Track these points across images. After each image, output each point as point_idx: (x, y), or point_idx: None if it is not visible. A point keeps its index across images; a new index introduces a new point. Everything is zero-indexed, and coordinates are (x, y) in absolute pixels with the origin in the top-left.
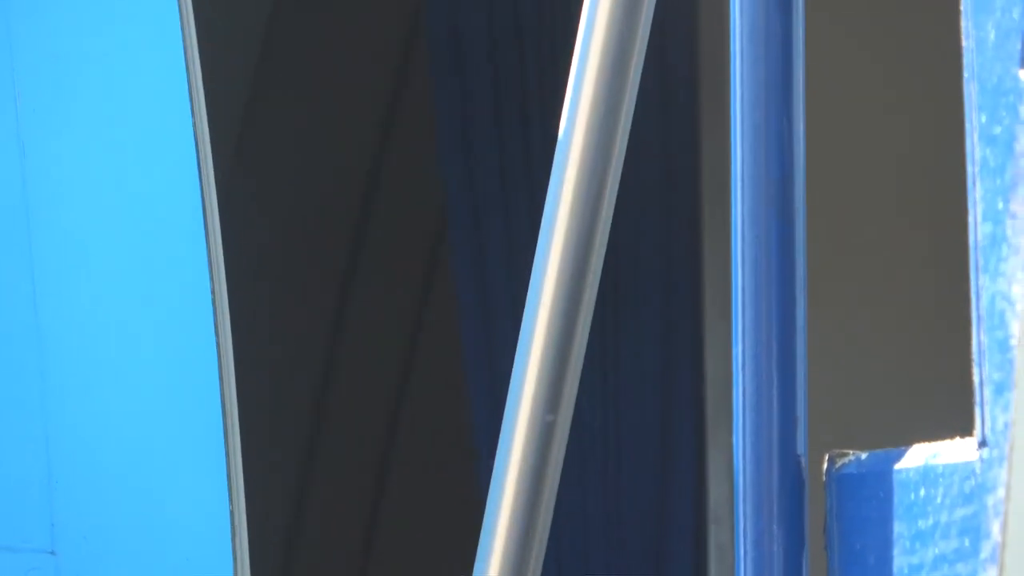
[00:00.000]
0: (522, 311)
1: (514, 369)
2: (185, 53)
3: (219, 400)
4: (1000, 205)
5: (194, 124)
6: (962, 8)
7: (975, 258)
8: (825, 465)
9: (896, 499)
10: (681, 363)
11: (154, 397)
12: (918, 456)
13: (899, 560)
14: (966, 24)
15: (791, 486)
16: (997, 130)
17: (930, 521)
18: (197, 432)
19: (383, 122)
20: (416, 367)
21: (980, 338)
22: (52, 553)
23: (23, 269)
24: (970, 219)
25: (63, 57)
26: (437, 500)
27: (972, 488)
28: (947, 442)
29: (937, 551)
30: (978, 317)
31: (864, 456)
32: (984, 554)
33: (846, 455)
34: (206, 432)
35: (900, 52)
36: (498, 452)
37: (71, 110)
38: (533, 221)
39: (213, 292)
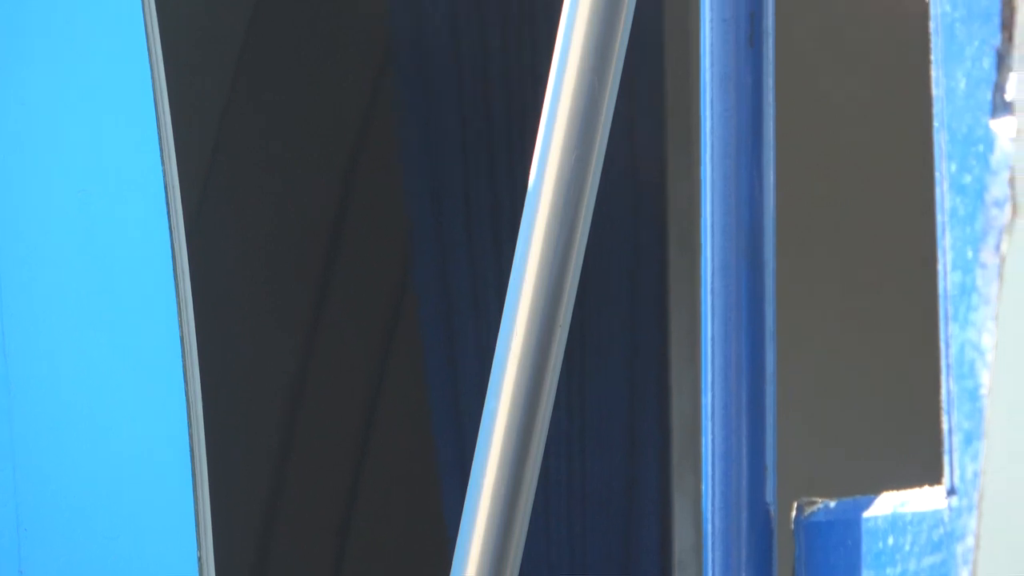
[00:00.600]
0: (485, 350)
1: (485, 409)
2: (153, 85)
3: (188, 444)
4: (970, 254)
5: (163, 160)
6: (932, 58)
7: (944, 307)
8: (794, 513)
9: (864, 547)
10: (647, 409)
11: (121, 438)
12: (886, 504)
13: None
14: (936, 73)
15: (760, 534)
16: (967, 179)
17: (898, 569)
18: (165, 475)
19: (349, 167)
20: (382, 405)
21: (949, 387)
22: None
23: None
24: (940, 268)
25: (30, 87)
26: (403, 536)
27: (941, 536)
28: (916, 490)
29: None
30: (947, 366)
31: (833, 504)
32: None
33: (815, 503)
34: (175, 475)
35: (872, 100)
36: (470, 484)
37: (36, 137)
38: (498, 267)
39: (181, 327)
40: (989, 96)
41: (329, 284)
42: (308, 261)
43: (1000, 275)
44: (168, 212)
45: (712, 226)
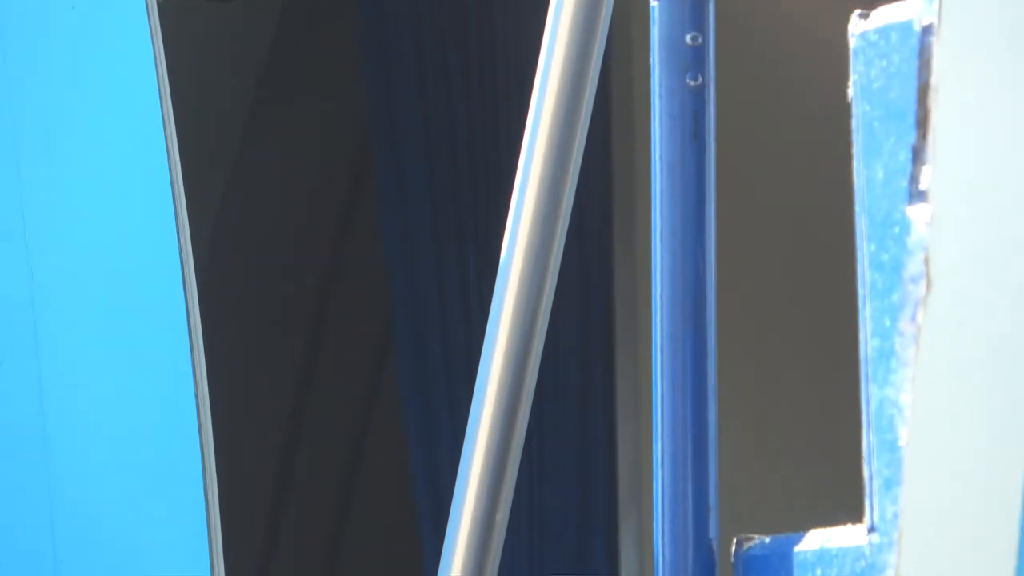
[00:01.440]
0: (459, 410)
1: (469, 423)
2: (167, 145)
3: (200, 473)
4: (887, 323)
5: (175, 209)
6: (853, 151)
7: (866, 369)
8: (734, 547)
9: (793, 570)
10: (597, 457)
11: (139, 473)
12: (815, 540)
13: None
14: (857, 165)
15: (704, 566)
16: (885, 257)
17: None
18: (181, 517)
19: (334, 246)
20: (365, 455)
21: (870, 439)
22: None
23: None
24: (861, 335)
25: (55, 121)
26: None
27: (862, 568)
28: (840, 528)
29: None
30: (868, 420)
31: (767, 540)
32: None
33: (752, 539)
34: (189, 514)
35: (801, 185)
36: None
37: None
38: (469, 336)
39: (195, 379)
40: (905, 185)
41: (318, 349)
42: (297, 324)
43: (917, 342)
44: (180, 258)
45: (662, 300)
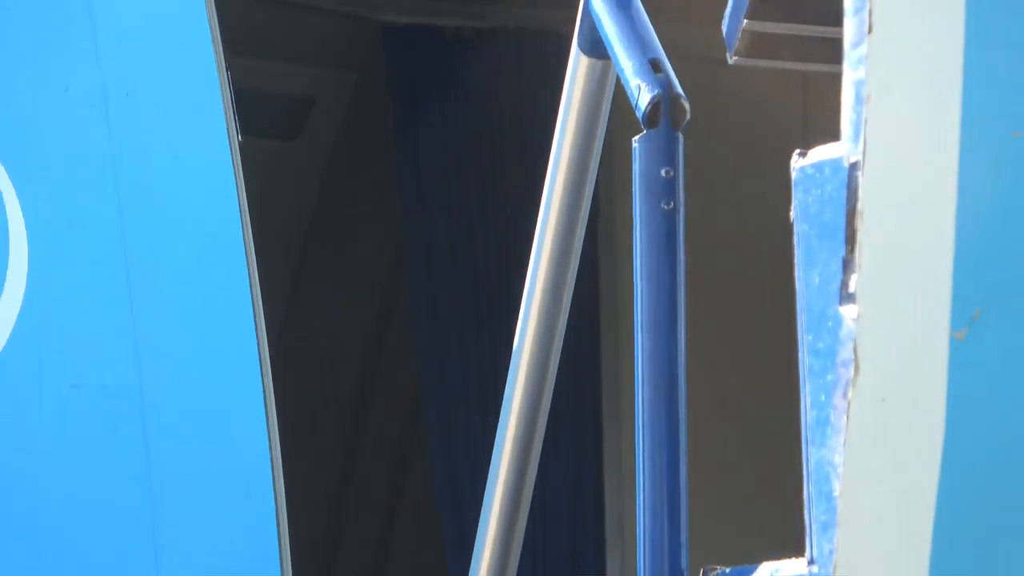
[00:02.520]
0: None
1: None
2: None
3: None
4: (823, 398)
5: (253, 312)
6: (795, 261)
7: (806, 434)
8: (700, 575)
9: None
10: (589, 504)
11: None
12: (765, 570)
13: None
14: (798, 272)
15: None
16: (820, 346)
17: None
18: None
19: (374, 349)
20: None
21: (810, 490)
22: None
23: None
24: (802, 407)
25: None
26: None
27: None
28: (787, 560)
29: None
30: (808, 475)
31: (728, 570)
32: None
33: (715, 569)
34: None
35: (757, 292)
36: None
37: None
38: (486, 411)
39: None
40: (836, 289)
41: (363, 426)
42: (343, 405)
43: (847, 413)
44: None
45: (642, 378)
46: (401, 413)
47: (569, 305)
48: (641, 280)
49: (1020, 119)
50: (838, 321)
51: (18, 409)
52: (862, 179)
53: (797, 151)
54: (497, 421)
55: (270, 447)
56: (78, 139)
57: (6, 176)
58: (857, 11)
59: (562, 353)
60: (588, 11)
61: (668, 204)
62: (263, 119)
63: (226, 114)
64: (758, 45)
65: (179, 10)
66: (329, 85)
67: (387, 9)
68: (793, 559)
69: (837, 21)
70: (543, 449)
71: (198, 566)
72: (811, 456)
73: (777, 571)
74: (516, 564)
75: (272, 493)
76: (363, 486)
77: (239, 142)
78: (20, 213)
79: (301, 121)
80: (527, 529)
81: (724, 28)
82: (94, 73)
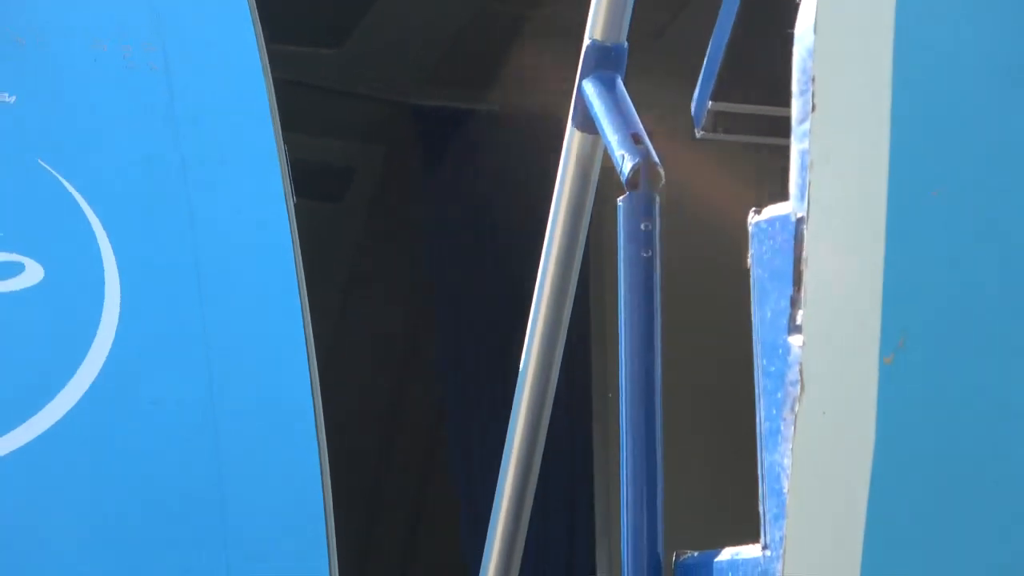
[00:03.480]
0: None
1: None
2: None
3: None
4: (775, 412)
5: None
6: (752, 299)
7: (761, 442)
8: (674, 559)
9: None
10: (582, 503)
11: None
12: (728, 554)
13: None
14: (754, 308)
15: (655, 571)
16: (772, 369)
17: None
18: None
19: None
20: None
21: (763, 488)
22: None
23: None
24: (757, 420)
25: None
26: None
27: (759, 573)
28: (745, 546)
29: None
30: (762, 475)
31: (696, 554)
32: None
33: (686, 553)
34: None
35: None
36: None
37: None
38: (496, 420)
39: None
40: (786, 322)
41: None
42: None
43: (795, 425)
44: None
45: (627, 389)
46: (426, 425)
47: (567, 330)
48: (625, 311)
49: (936, 182)
50: (787, 349)
51: (112, 422)
52: (807, 232)
53: (753, 208)
54: (506, 428)
55: (319, 452)
56: (161, 196)
57: (103, 228)
58: (802, 93)
59: (560, 369)
60: (581, 95)
61: (647, 252)
62: (313, 184)
63: (283, 180)
64: (720, 122)
65: (243, 93)
66: (366, 157)
67: (412, 94)
68: (750, 545)
69: (786, 102)
70: (544, 450)
71: (260, 556)
72: (765, 459)
73: (737, 555)
74: (522, 545)
75: (320, 490)
76: (392, 482)
77: (294, 203)
78: (113, 257)
79: (344, 186)
80: (531, 517)
81: (693, 108)
82: (173, 144)
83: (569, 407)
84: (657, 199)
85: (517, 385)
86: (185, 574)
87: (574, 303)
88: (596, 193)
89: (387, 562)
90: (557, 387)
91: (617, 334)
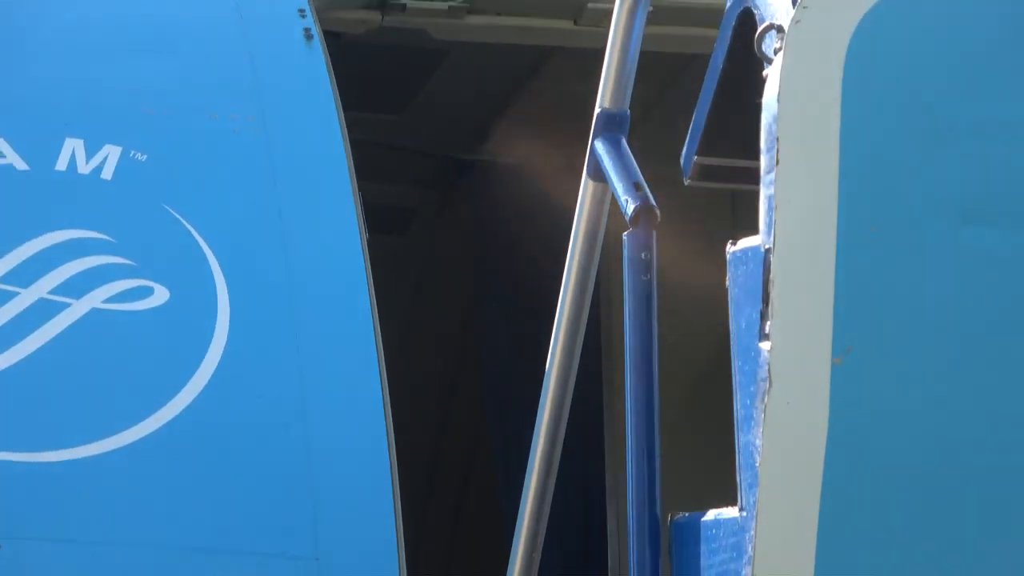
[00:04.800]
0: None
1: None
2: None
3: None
4: (748, 403)
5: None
6: (730, 312)
7: (738, 426)
8: (669, 519)
9: (701, 534)
10: (595, 468)
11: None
12: (712, 515)
13: (703, 561)
14: (732, 318)
15: (654, 529)
16: (746, 368)
17: (715, 545)
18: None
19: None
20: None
21: (739, 461)
22: (316, 559)
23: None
24: (735, 408)
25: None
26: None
27: (736, 530)
28: (725, 508)
29: (720, 559)
30: (738, 451)
31: (687, 515)
32: (745, 559)
33: (679, 514)
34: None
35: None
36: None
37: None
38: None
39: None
40: (757, 330)
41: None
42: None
43: (764, 412)
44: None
45: (632, 391)
46: (471, 428)
47: (583, 337)
48: (629, 321)
49: (875, 219)
50: (758, 352)
51: (223, 414)
52: (773, 259)
53: (730, 241)
54: (538, 401)
55: (386, 431)
56: (262, 232)
57: (215, 259)
58: (768, 150)
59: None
60: (593, 151)
61: (646, 275)
62: (383, 222)
63: (358, 218)
64: (704, 173)
65: (326, 149)
66: (423, 199)
67: (457, 150)
68: (730, 507)
69: (756, 157)
70: (565, 438)
71: (343, 533)
72: (741, 439)
73: (719, 515)
74: (547, 518)
75: (390, 478)
76: (448, 444)
77: (366, 237)
78: (224, 281)
79: (407, 223)
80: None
81: (682, 161)
82: (271, 190)
83: (584, 395)
84: (654, 234)
85: (545, 375)
86: (272, 525)
87: (589, 316)
88: (605, 232)
89: (441, 512)
90: (575, 381)
91: (623, 339)
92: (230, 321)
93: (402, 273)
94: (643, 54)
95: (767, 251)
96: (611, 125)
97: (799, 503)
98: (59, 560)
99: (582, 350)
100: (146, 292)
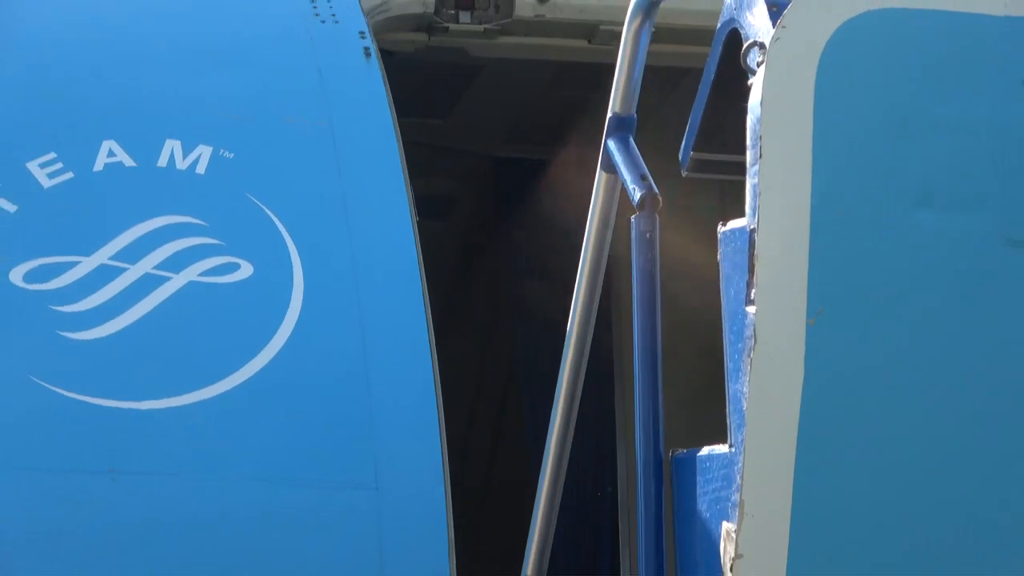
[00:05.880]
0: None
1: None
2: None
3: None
4: (737, 357)
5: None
6: (721, 284)
7: (728, 376)
8: (670, 455)
9: (697, 468)
10: (605, 425)
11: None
12: (706, 450)
13: (699, 489)
14: (723, 288)
15: (658, 462)
16: (736, 328)
17: (709, 476)
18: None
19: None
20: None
21: (729, 407)
22: (376, 489)
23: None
24: (725, 362)
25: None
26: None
27: (727, 463)
28: (717, 445)
29: (713, 487)
30: (728, 398)
31: (685, 451)
32: (734, 488)
33: (679, 450)
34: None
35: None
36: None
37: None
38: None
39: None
40: (744, 296)
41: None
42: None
43: (750, 366)
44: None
45: (638, 330)
46: (504, 372)
47: (595, 315)
48: (636, 289)
49: (842, 204)
50: (745, 315)
51: (297, 373)
52: (757, 237)
53: (720, 222)
54: (559, 368)
55: (436, 398)
56: (329, 216)
57: (291, 239)
58: (753, 147)
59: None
60: (606, 148)
61: (650, 253)
62: (430, 208)
63: (409, 205)
64: (699, 166)
65: (383, 148)
66: (464, 189)
67: (493, 148)
68: (721, 444)
69: (743, 152)
70: (581, 403)
71: (398, 467)
72: (730, 388)
73: (712, 451)
74: (566, 463)
75: (439, 450)
76: (481, 406)
77: (416, 221)
78: (299, 259)
79: (450, 209)
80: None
81: (680, 156)
82: (337, 181)
83: (597, 357)
84: (657, 217)
85: (564, 344)
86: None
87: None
88: (617, 215)
89: (476, 463)
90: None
91: (631, 306)
92: (304, 291)
93: (446, 251)
94: (647, 67)
95: (752, 231)
96: (621, 126)
97: (779, 440)
98: (163, 489)
99: (596, 318)
100: (233, 267)
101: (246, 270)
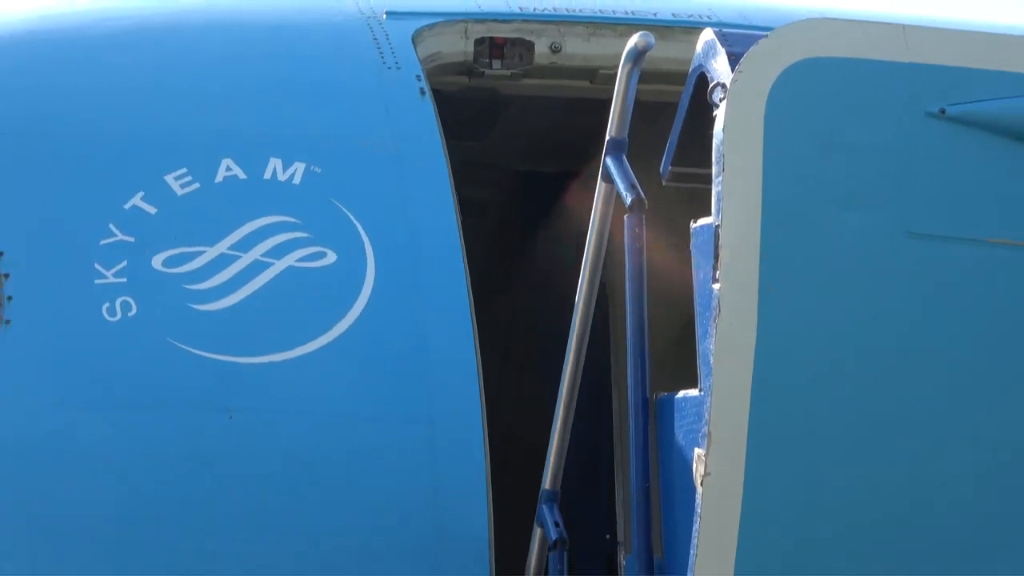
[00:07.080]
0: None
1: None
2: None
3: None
4: (706, 323)
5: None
6: (693, 271)
7: (698, 335)
8: (653, 397)
9: (674, 407)
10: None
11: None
12: (682, 394)
13: (675, 424)
14: (695, 271)
15: (644, 406)
16: (702, 303)
17: (684, 413)
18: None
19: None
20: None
21: (699, 361)
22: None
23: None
24: (696, 327)
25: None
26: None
27: (697, 404)
28: (691, 390)
29: (687, 422)
30: (699, 355)
31: (665, 393)
32: (704, 422)
33: (662, 393)
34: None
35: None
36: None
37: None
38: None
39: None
40: (710, 278)
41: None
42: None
43: (716, 329)
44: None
45: (631, 315)
46: (528, 347)
47: (598, 287)
48: (628, 272)
49: (786, 205)
50: (711, 292)
51: (366, 344)
52: (720, 232)
53: (692, 220)
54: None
55: (475, 355)
56: (395, 217)
57: (365, 235)
58: (717, 162)
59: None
60: (604, 164)
61: (639, 244)
62: (468, 208)
63: (455, 207)
64: (676, 177)
65: (433, 164)
66: (493, 195)
67: (521, 164)
68: (693, 389)
69: (709, 166)
70: (585, 360)
71: (446, 405)
72: (701, 345)
73: (687, 394)
74: (573, 410)
75: (482, 448)
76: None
77: (460, 220)
78: (371, 250)
79: (483, 210)
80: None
81: (661, 169)
82: (399, 189)
83: (597, 324)
84: (643, 218)
85: (571, 321)
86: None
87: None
88: (611, 218)
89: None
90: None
91: (624, 285)
92: (375, 274)
93: (480, 245)
94: (636, 102)
95: (717, 227)
96: (616, 147)
97: (737, 385)
98: (270, 424)
99: (596, 296)
100: (321, 255)
101: (331, 257)
